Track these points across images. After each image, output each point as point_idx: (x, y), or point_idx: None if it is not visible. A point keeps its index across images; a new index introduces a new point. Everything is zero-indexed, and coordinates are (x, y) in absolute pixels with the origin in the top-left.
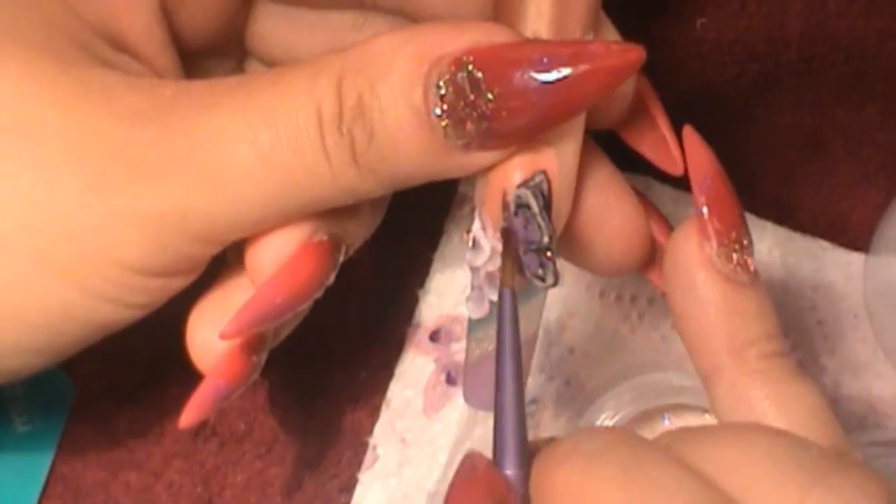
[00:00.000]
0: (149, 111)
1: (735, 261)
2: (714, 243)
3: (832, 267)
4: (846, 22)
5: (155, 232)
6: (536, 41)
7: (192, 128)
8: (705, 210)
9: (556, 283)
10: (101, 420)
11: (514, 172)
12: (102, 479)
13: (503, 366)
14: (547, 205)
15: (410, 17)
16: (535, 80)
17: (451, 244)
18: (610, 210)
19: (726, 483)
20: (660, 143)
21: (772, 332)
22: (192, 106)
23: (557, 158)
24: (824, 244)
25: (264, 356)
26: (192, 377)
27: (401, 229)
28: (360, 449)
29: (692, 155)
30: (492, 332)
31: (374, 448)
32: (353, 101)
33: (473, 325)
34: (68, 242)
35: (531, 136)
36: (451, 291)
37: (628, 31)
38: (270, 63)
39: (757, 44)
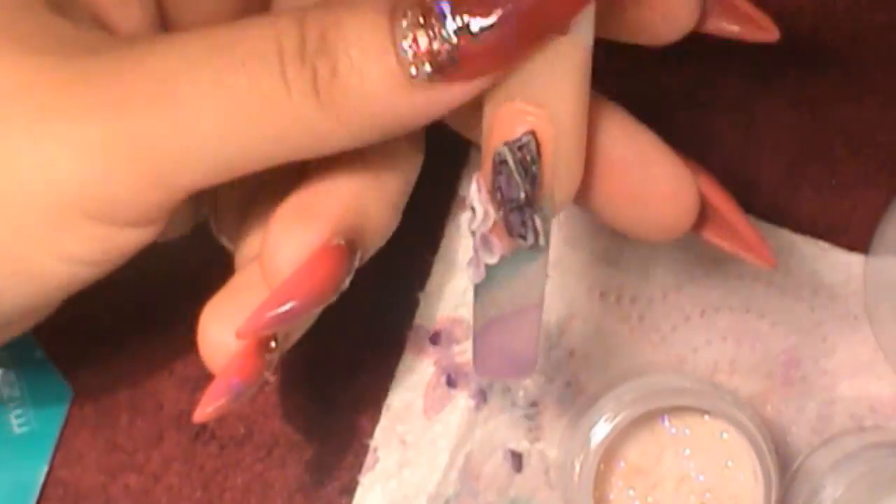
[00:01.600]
0: (104, 47)
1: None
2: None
3: (832, 268)
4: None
5: (97, 160)
6: None
7: (147, 58)
8: None
9: (537, 243)
10: (99, 423)
11: (499, 132)
12: (101, 483)
13: None
14: (527, 161)
15: None
16: None
17: (452, 246)
18: (654, 174)
19: None
20: (745, 19)
21: None
22: (149, 42)
23: (552, 119)
24: (824, 245)
25: (277, 356)
26: (191, 380)
27: (401, 231)
28: (360, 451)
29: None
30: (495, 297)
31: (375, 450)
32: (317, 33)
33: (479, 294)
34: (8, 175)
35: (501, 61)
36: (452, 294)
37: None
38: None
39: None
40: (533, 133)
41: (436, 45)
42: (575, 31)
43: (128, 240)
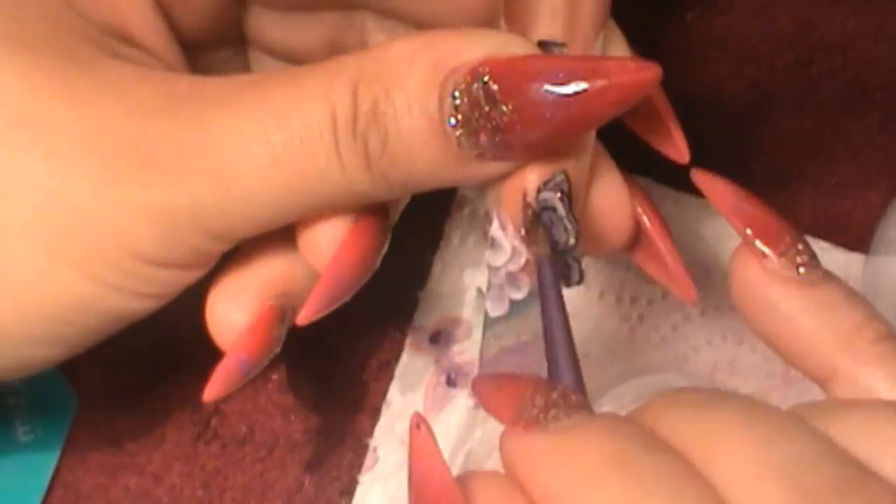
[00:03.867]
0: (161, 105)
1: (800, 262)
2: (774, 256)
3: (832, 268)
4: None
5: (167, 225)
6: (553, 56)
7: (205, 124)
8: (749, 232)
9: (580, 282)
10: (102, 424)
11: (534, 172)
12: (103, 483)
13: (551, 321)
14: (570, 205)
15: (400, 18)
16: (551, 94)
17: (451, 246)
18: (595, 189)
19: (856, 447)
20: (664, 131)
21: (871, 314)
22: (205, 102)
23: (575, 157)
24: (824, 245)
25: (284, 330)
26: (194, 379)
27: (401, 231)
28: (360, 451)
29: (710, 191)
30: (511, 327)
31: (375, 450)
32: (368, 106)
33: (491, 322)
34: (81, 233)
35: (544, 148)
36: (451, 293)
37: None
38: (271, 52)
39: (751, 44)
40: (565, 172)
41: (482, 136)
42: None
43: (189, 278)
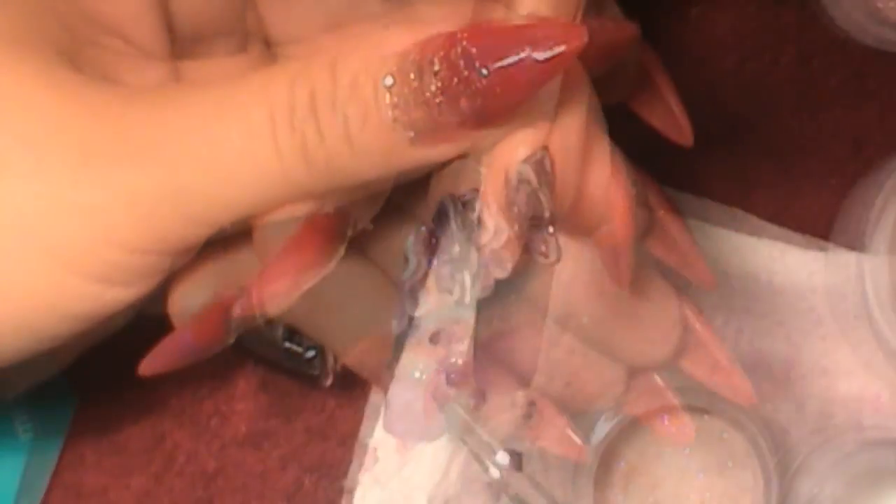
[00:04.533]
0: (110, 107)
1: None
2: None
3: (791, 268)
4: None
5: (145, 208)
6: (479, 26)
7: (149, 121)
8: None
9: (558, 260)
10: (102, 424)
11: (517, 150)
12: (103, 484)
13: None
14: (549, 181)
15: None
16: (529, 56)
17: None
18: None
19: None
20: (668, 114)
21: None
22: (151, 100)
23: (560, 135)
24: (781, 246)
25: (234, 330)
26: (193, 379)
27: (400, 231)
28: (360, 451)
29: None
30: (502, 311)
31: (375, 450)
32: (305, 98)
33: (481, 304)
34: (57, 220)
35: (479, 125)
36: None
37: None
38: (274, 42)
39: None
40: (546, 149)
41: (414, 114)
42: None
43: (171, 265)
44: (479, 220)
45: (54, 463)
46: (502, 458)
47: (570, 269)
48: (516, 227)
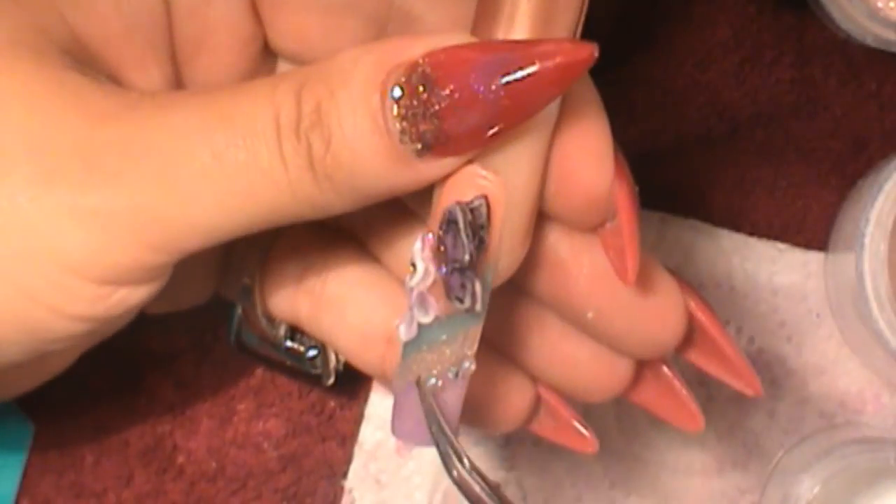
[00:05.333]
0: (111, 112)
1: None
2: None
3: (790, 268)
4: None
5: (103, 231)
6: (489, 42)
7: (151, 127)
8: None
9: (473, 308)
10: (63, 465)
11: (453, 194)
12: (103, 484)
13: None
14: (476, 225)
15: None
16: (488, 78)
17: None
18: (644, 290)
19: None
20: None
21: None
22: (153, 107)
23: (507, 186)
24: (781, 246)
25: None
26: (159, 414)
27: None
28: (360, 451)
29: None
30: (424, 358)
31: (350, 491)
32: (312, 107)
33: (405, 348)
34: (11, 237)
35: (486, 140)
36: None
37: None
38: (275, 48)
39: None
40: (485, 198)
41: (422, 126)
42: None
43: (128, 297)
44: (412, 262)
45: (13, 498)
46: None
47: (583, 265)
48: (443, 269)
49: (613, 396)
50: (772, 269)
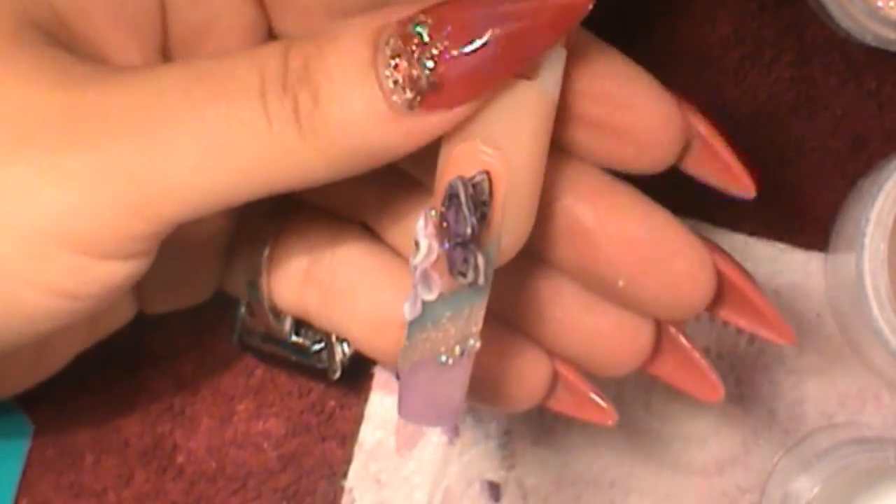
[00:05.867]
0: (91, 76)
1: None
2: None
3: (790, 268)
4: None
5: (79, 191)
6: None
7: (129, 89)
8: None
9: (476, 282)
10: (63, 465)
11: (455, 169)
12: (103, 484)
13: None
14: (478, 200)
15: None
16: (484, 24)
17: None
18: (669, 251)
19: None
20: (723, 168)
21: None
22: (134, 72)
23: (508, 163)
24: (781, 246)
25: None
26: (158, 413)
27: None
28: (360, 451)
29: None
30: (429, 336)
31: (350, 491)
32: (300, 63)
33: (410, 328)
34: (40, 191)
35: (479, 88)
36: None
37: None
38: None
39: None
40: (487, 173)
41: (415, 72)
42: (541, 79)
43: (109, 273)
44: (416, 240)
45: (13, 498)
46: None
47: (610, 233)
48: (445, 245)
49: (634, 368)
50: (772, 269)
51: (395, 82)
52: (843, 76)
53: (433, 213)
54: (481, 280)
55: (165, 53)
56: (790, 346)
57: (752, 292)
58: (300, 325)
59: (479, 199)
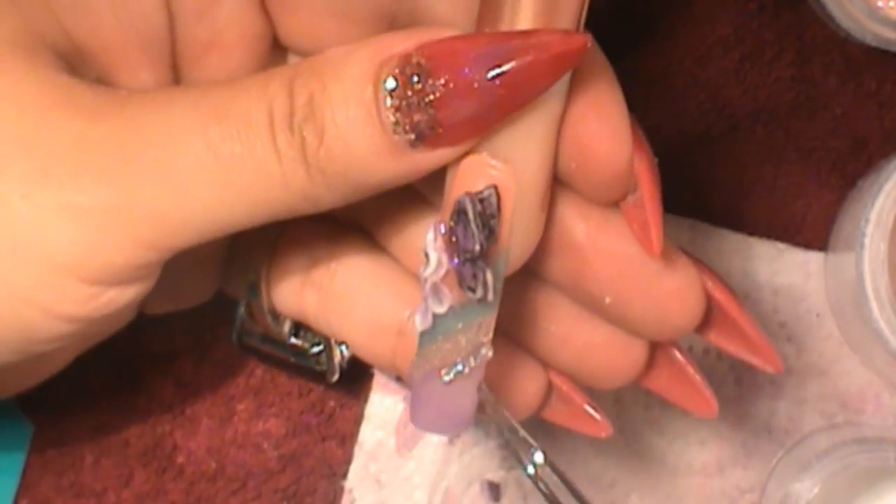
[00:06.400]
0: (104, 110)
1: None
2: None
3: (790, 268)
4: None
5: (94, 227)
6: (482, 33)
7: (144, 123)
8: None
9: (485, 298)
10: (101, 425)
11: (462, 185)
12: (103, 484)
13: None
14: (486, 214)
15: None
16: (482, 68)
17: None
18: (658, 271)
19: None
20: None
21: None
22: (147, 103)
23: (516, 175)
24: (781, 246)
25: None
26: (158, 413)
27: None
28: (360, 451)
29: None
30: (440, 347)
31: (350, 491)
32: (305, 99)
33: (421, 339)
34: (1, 234)
35: (478, 129)
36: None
37: None
38: (283, 41)
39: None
40: (495, 188)
41: (416, 116)
42: (546, 94)
43: (119, 296)
44: (425, 252)
45: (13, 497)
46: (538, 456)
47: (599, 249)
48: (455, 260)
49: (628, 382)
50: (772, 269)
51: (397, 123)
52: (843, 76)
53: (442, 226)
54: (490, 296)
55: (174, 70)
56: (777, 372)
57: (742, 318)
58: (299, 327)
59: (488, 214)
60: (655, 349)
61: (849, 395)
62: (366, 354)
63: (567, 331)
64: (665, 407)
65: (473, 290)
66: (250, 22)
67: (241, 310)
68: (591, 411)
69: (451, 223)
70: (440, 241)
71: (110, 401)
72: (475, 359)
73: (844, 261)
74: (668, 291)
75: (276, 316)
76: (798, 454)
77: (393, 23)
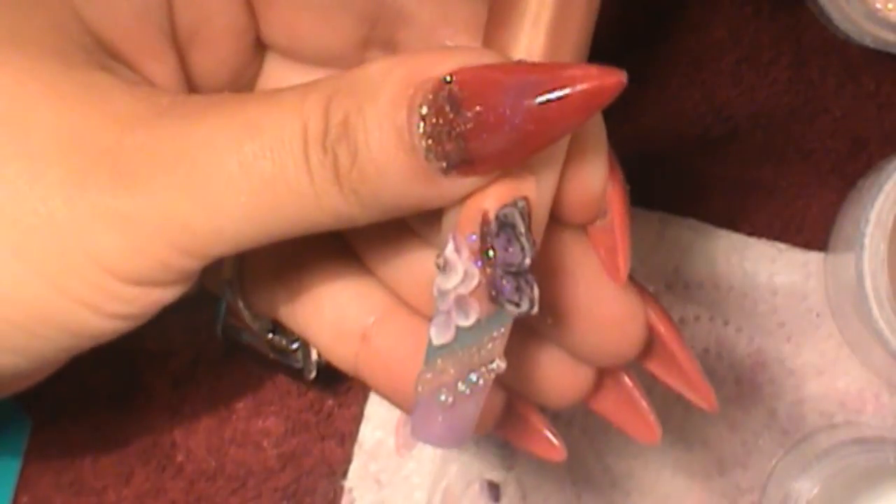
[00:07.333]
0: (141, 117)
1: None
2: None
3: (790, 268)
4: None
5: (134, 235)
6: (519, 63)
7: (180, 135)
8: None
9: (531, 310)
10: (101, 424)
11: (496, 195)
12: (103, 484)
13: None
14: (528, 227)
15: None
16: (516, 101)
17: None
18: (602, 296)
19: None
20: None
21: None
22: (183, 114)
23: (538, 187)
24: (781, 246)
25: None
26: (157, 412)
27: None
28: (360, 451)
29: None
30: (457, 358)
31: (350, 491)
32: (339, 119)
33: (434, 351)
34: (48, 237)
35: (511, 161)
36: None
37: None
38: (271, 43)
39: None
40: (526, 199)
41: (448, 146)
42: None
43: (156, 299)
44: (446, 263)
45: (12, 494)
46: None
47: (543, 266)
48: (488, 272)
49: (574, 403)
50: (771, 269)
51: (429, 149)
52: (842, 78)
53: (473, 237)
54: (535, 309)
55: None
56: (712, 412)
57: (682, 353)
58: (277, 323)
59: (527, 226)
60: (604, 372)
61: (848, 395)
62: (330, 357)
63: (512, 349)
64: (665, 407)
65: (517, 305)
66: (236, 14)
67: (223, 306)
68: (549, 434)
69: (487, 235)
70: (466, 252)
71: (109, 399)
72: (489, 370)
73: (844, 261)
74: (611, 319)
75: (254, 313)
76: (798, 454)
77: (375, 25)
